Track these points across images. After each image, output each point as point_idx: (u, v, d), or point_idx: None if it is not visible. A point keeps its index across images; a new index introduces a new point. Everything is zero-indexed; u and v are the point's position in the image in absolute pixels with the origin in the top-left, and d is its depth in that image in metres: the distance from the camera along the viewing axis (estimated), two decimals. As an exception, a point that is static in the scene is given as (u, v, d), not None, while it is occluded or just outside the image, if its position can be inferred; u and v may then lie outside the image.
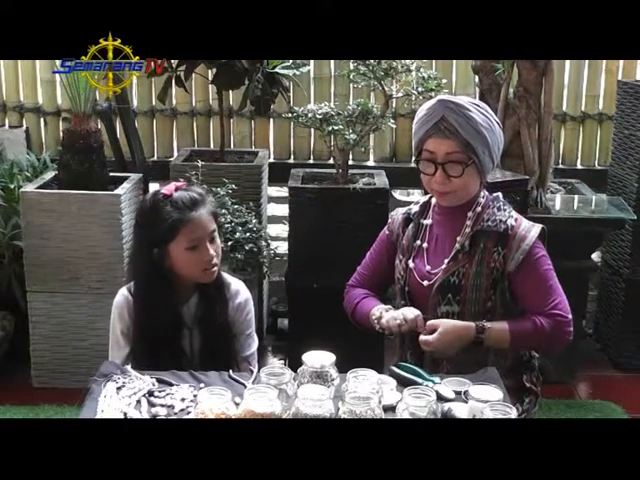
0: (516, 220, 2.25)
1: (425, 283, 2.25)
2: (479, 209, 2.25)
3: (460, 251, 2.23)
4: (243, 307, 2.33)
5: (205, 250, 2.19)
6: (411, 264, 2.29)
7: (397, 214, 2.41)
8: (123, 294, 2.30)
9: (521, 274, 2.20)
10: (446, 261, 2.24)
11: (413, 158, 2.28)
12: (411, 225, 2.34)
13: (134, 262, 2.35)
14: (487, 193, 2.29)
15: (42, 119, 4.46)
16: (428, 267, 2.27)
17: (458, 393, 1.97)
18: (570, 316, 2.20)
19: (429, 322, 2.18)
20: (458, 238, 2.24)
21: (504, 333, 2.17)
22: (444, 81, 3.45)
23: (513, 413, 1.70)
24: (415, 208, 2.37)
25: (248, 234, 3.38)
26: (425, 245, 2.30)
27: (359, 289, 2.42)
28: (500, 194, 2.32)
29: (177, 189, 2.21)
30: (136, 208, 2.96)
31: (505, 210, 2.26)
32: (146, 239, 2.23)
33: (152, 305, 2.22)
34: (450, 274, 2.22)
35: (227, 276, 2.36)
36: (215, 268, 2.22)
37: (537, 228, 2.24)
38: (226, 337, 2.28)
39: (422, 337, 2.16)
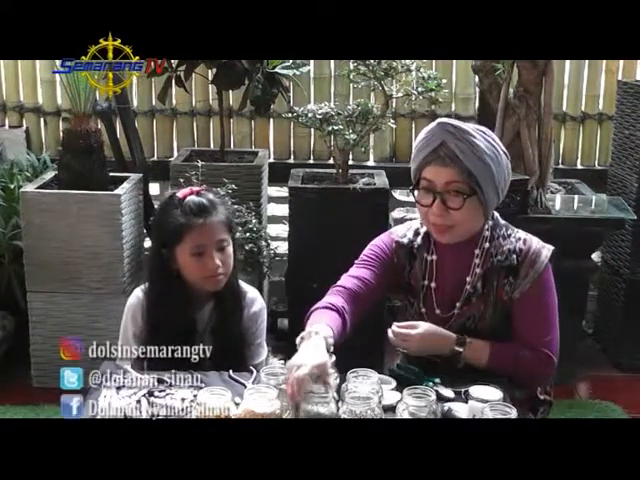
0: (525, 242, 2.10)
1: None
2: (486, 245, 2.09)
3: (473, 294, 2.10)
4: (257, 316, 2.34)
5: (210, 258, 2.18)
6: (423, 309, 2.17)
7: (399, 239, 2.21)
8: (137, 296, 2.30)
9: (523, 302, 2.08)
10: (458, 304, 2.11)
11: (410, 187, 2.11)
12: (416, 262, 2.18)
13: (148, 261, 2.36)
14: (489, 222, 2.12)
15: (42, 119, 4.45)
16: (438, 311, 2.14)
17: (458, 393, 1.97)
18: (556, 358, 2.08)
19: (406, 323, 2.08)
20: (467, 278, 2.10)
21: (483, 352, 2.05)
22: (444, 81, 3.45)
23: (513, 413, 1.70)
24: (418, 240, 2.19)
25: (248, 234, 3.38)
26: (433, 285, 2.15)
27: (338, 297, 2.10)
28: (498, 215, 2.16)
29: (192, 193, 2.21)
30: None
31: (510, 235, 2.12)
32: (157, 239, 2.27)
33: (162, 307, 2.22)
34: (465, 319, 2.11)
35: (243, 284, 2.36)
36: (220, 277, 2.21)
37: (547, 252, 2.10)
38: (237, 345, 2.27)
39: (401, 330, 2.05)
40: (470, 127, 2.04)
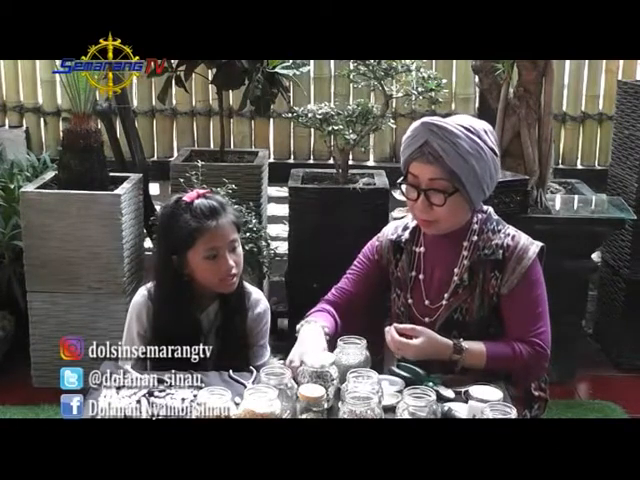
0: (513, 238, 2.13)
1: (426, 320, 2.15)
2: (475, 237, 2.13)
3: (459, 285, 2.13)
4: (262, 317, 2.33)
5: (224, 260, 2.17)
6: (410, 300, 2.19)
7: (384, 237, 2.28)
8: (143, 294, 2.29)
9: (512, 297, 2.09)
10: (446, 296, 2.14)
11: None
12: (404, 255, 2.22)
13: (155, 266, 2.33)
14: (480, 215, 2.16)
15: (42, 119, 4.46)
16: (427, 302, 2.17)
17: (458, 393, 1.97)
18: (549, 351, 2.10)
19: (408, 326, 2.07)
20: (455, 270, 2.13)
21: (480, 356, 2.06)
22: (444, 81, 3.45)
23: (513, 413, 1.70)
24: (405, 235, 2.24)
25: (248, 234, 3.38)
26: (421, 276, 2.19)
27: (327, 306, 2.26)
28: (491, 210, 2.20)
29: (199, 196, 2.20)
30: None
31: (500, 231, 2.14)
32: (166, 245, 2.23)
33: (170, 310, 2.21)
34: (452, 311, 2.13)
35: (248, 285, 2.35)
36: (235, 278, 2.20)
37: (535, 247, 2.12)
38: (240, 346, 2.27)
39: (400, 339, 2.04)
40: (454, 125, 2.05)
